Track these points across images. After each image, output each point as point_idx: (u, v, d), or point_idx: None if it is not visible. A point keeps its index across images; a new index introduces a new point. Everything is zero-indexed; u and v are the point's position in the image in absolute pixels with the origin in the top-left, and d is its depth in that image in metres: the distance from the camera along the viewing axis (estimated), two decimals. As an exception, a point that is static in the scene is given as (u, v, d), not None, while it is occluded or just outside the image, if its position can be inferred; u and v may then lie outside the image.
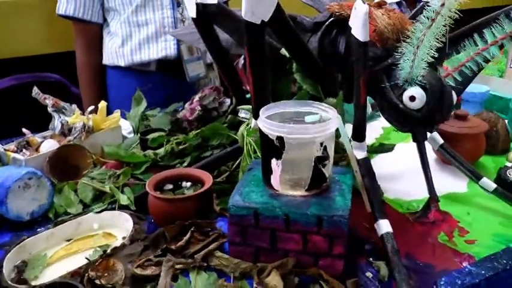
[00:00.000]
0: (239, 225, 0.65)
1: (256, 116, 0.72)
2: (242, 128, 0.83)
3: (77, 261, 0.68)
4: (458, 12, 0.61)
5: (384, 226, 0.68)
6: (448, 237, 0.73)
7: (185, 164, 0.90)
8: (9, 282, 0.64)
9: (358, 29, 0.65)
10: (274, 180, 0.65)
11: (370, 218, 0.71)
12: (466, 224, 0.77)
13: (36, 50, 1.58)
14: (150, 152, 0.90)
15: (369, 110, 0.89)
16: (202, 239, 0.70)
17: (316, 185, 0.65)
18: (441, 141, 0.84)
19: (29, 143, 0.92)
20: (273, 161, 0.64)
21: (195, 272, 0.65)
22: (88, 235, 0.75)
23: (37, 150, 0.91)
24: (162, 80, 1.36)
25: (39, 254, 0.71)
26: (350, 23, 0.68)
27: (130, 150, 0.97)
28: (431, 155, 0.95)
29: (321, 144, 0.63)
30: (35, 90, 0.96)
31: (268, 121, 0.63)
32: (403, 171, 0.93)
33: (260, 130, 0.65)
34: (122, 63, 1.34)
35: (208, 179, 0.77)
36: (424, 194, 0.80)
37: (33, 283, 0.65)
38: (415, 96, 0.70)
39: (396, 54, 0.70)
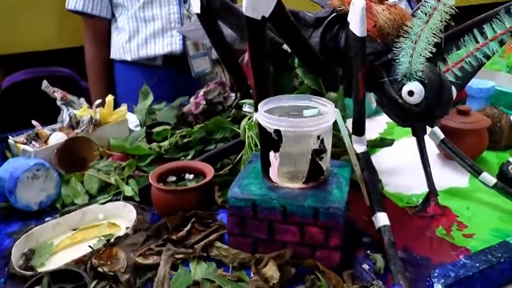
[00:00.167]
0: (238, 217, 0.67)
1: (257, 110, 0.73)
2: (244, 121, 0.85)
3: (82, 250, 0.70)
4: (454, 8, 0.62)
5: (382, 219, 0.69)
6: (446, 231, 0.74)
7: (189, 156, 0.92)
8: (17, 268, 0.67)
9: (356, 24, 0.66)
10: (273, 172, 0.67)
11: (369, 211, 0.72)
12: (465, 218, 0.77)
13: (48, 45, 1.61)
14: (154, 145, 0.92)
15: (374, 105, 0.90)
16: (202, 229, 0.72)
17: (313, 178, 0.66)
18: (442, 136, 0.85)
19: (38, 135, 0.94)
20: (271, 154, 0.65)
21: (195, 262, 0.67)
22: (93, 225, 0.77)
23: (46, 142, 0.94)
24: (169, 74, 1.38)
25: (46, 242, 0.73)
26: (348, 19, 0.69)
27: (137, 143, 0.99)
28: (434, 150, 0.96)
29: (318, 137, 0.64)
30: (45, 83, 0.98)
31: (266, 115, 0.65)
32: (405, 165, 0.94)
33: (259, 123, 0.67)
34: (129, 58, 1.37)
35: (209, 171, 0.78)
36: (425, 189, 0.81)
37: (40, 270, 0.68)
38: (413, 91, 0.71)
39: (395, 49, 0.70)
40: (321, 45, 0.86)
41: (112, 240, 0.71)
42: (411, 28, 0.67)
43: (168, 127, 0.98)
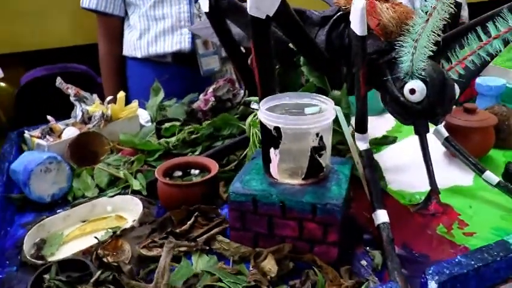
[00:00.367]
0: (239, 211, 0.68)
1: (262, 107, 0.75)
2: (249, 118, 0.86)
3: (90, 241, 0.73)
4: (453, 7, 0.62)
5: (381, 216, 0.70)
6: (446, 229, 0.74)
7: (197, 152, 0.94)
8: (29, 257, 0.70)
9: (356, 23, 0.67)
10: (273, 168, 0.68)
11: (370, 208, 0.73)
12: (467, 217, 0.77)
13: (65, 42, 1.66)
14: (162, 141, 0.94)
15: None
16: (205, 223, 0.74)
17: (313, 174, 0.68)
18: (446, 134, 0.85)
19: (52, 129, 0.98)
20: (272, 151, 0.67)
21: (197, 255, 0.69)
22: (101, 217, 0.80)
23: (59, 136, 0.97)
24: (179, 71, 1.41)
25: (56, 233, 0.77)
26: (350, 18, 0.70)
27: (147, 138, 1.01)
28: (440, 148, 0.96)
29: (317, 134, 0.65)
30: (58, 80, 1.02)
31: (267, 112, 0.66)
32: (410, 163, 0.94)
33: (260, 121, 0.68)
34: (139, 55, 1.40)
35: (214, 166, 0.80)
36: (428, 187, 0.81)
37: (50, 259, 0.71)
38: (415, 89, 0.71)
39: (397, 48, 0.71)
40: (326, 43, 0.87)
41: (118, 232, 0.73)
42: (412, 27, 0.67)
43: (177, 123, 1.00)
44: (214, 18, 0.92)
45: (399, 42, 0.71)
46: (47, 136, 0.97)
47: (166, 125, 0.98)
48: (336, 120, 0.71)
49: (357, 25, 0.67)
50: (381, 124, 1.11)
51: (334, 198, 0.65)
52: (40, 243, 0.74)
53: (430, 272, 0.59)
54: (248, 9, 0.73)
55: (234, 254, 0.69)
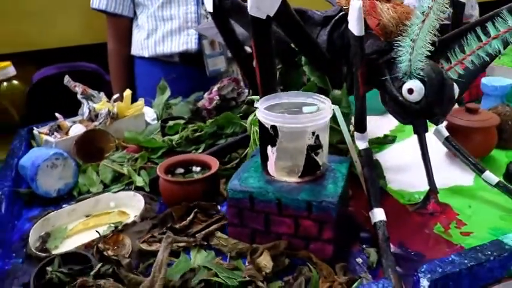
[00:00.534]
0: (236, 208, 0.70)
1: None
2: (250, 117, 0.88)
3: (93, 235, 0.74)
4: (448, 7, 0.62)
5: (378, 214, 0.70)
6: (444, 229, 0.75)
7: (200, 150, 0.96)
8: (34, 250, 0.72)
9: (353, 23, 0.68)
10: (270, 166, 0.69)
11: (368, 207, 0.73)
12: (465, 216, 0.78)
13: (76, 41, 1.69)
14: (166, 138, 0.96)
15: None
16: (205, 220, 0.76)
17: (309, 172, 0.69)
18: (446, 134, 0.85)
19: (60, 126, 1.00)
20: (269, 148, 0.68)
21: (195, 250, 0.71)
22: (105, 212, 0.82)
23: (67, 133, 1.00)
24: (186, 71, 1.43)
25: (61, 226, 0.79)
26: (348, 18, 0.70)
27: (152, 136, 1.03)
28: (441, 148, 0.96)
29: (313, 133, 0.66)
30: (66, 78, 1.04)
31: (264, 111, 0.67)
32: (411, 163, 0.94)
33: (259, 119, 0.69)
34: (146, 54, 1.42)
35: (215, 164, 0.82)
36: (427, 186, 0.81)
37: (53, 252, 0.73)
38: (413, 88, 0.71)
39: (395, 48, 0.71)
40: (328, 43, 0.88)
41: (120, 227, 0.75)
42: (410, 27, 0.68)
43: (182, 121, 1.02)
44: (218, 18, 0.94)
45: (397, 42, 0.71)
46: (55, 133, 0.99)
47: (170, 123, 1.00)
48: (336, 119, 0.72)
49: (354, 25, 0.68)
50: (384, 124, 1.11)
51: (329, 196, 0.66)
52: (45, 236, 0.77)
53: (423, 270, 0.60)
54: (248, 9, 0.74)
55: (231, 250, 0.70)
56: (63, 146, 0.95)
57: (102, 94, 1.07)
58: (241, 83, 1.13)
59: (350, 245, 0.72)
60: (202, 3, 1.39)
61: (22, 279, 0.68)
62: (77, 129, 0.99)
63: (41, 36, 1.64)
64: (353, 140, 0.77)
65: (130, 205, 0.83)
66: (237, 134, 0.97)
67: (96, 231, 0.73)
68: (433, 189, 0.79)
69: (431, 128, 0.85)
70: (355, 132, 0.78)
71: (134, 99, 1.13)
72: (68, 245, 0.75)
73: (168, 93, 1.17)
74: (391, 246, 0.71)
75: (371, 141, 0.98)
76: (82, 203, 0.83)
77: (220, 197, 0.84)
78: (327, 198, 0.65)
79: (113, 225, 0.76)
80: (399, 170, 0.93)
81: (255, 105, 1.04)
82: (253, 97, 0.94)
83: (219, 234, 0.73)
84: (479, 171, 0.81)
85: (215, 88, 1.09)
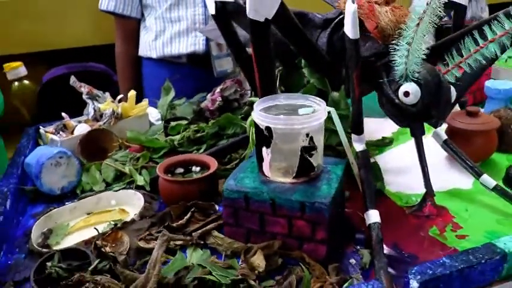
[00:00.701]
0: (232, 208, 0.71)
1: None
2: (250, 118, 0.89)
3: (94, 232, 0.76)
4: (442, 11, 0.63)
5: (373, 216, 0.71)
6: (439, 231, 0.75)
7: (201, 150, 0.97)
8: (35, 246, 0.74)
9: (348, 26, 0.68)
10: (265, 167, 0.70)
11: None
12: (462, 219, 0.78)
13: (86, 42, 1.72)
14: (168, 139, 0.97)
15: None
16: (202, 219, 0.77)
17: (304, 173, 0.69)
18: (445, 136, 0.85)
19: (65, 126, 1.03)
20: (264, 149, 0.69)
21: (191, 249, 0.72)
22: (106, 210, 0.84)
23: (72, 132, 1.02)
24: (193, 72, 1.44)
25: (62, 223, 0.81)
26: (344, 21, 0.71)
27: (155, 136, 1.05)
28: (442, 151, 0.96)
29: (307, 135, 0.67)
30: (72, 79, 1.06)
31: (259, 112, 0.68)
32: (410, 165, 0.94)
33: (254, 121, 0.70)
34: (154, 55, 1.44)
35: (213, 164, 0.83)
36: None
37: (54, 248, 0.75)
38: (409, 91, 0.72)
39: (391, 51, 0.72)
40: (328, 46, 0.88)
41: (119, 225, 0.77)
42: (405, 30, 0.68)
43: (185, 122, 1.04)
44: (220, 20, 0.95)
45: (393, 45, 0.72)
46: (61, 132, 1.02)
47: (172, 123, 1.01)
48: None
49: (349, 29, 0.68)
50: (385, 126, 1.11)
51: (322, 197, 0.66)
52: (47, 232, 0.79)
53: (413, 271, 0.60)
54: (247, 12, 0.75)
55: (227, 249, 0.71)
56: (68, 144, 0.97)
57: (107, 94, 1.09)
58: (244, 85, 1.14)
59: (344, 246, 0.73)
60: None
61: (23, 273, 0.70)
62: (81, 129, 1.01)
63: (52, 37, 1.67)
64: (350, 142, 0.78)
65: (131, 203, 0.85)
66: (238, 134, 0.99)
67: (95, 228, 0.74)
68: (429, 192, 0.80)
69: (432, 130, 0.86)
70: (352, 135, 0.78)
71: (141, 100, 1.15)
72: (69, 241, 0.77)
73: (172, 94, 1.18)
74: (386, 247, 0.72)
75: (369, 143, 0.99)
76: (84, 201, 0.85)
77: (219, 197, 0.85)
78: (319, 199, 0.66)
79: (112, 222, 0.78)
80: (398, 172, 0.93)
81: (255, 107, 1.07)
82: (254, 99, 0.96)
83: (215, 233, 0.74)
84: (477, 175, 0.80)
85: (218, 89, 1.11)
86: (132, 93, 1.08)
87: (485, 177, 0.80)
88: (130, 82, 1.48)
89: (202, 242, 0.73)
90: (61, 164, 0.90)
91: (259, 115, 0.68)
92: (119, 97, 1.08)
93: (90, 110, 1.06)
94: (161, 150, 0.97)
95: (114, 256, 0.67)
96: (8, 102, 1.24)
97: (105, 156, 0.97)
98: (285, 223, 0.68)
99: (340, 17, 0.87)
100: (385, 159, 0.99)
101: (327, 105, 0.84)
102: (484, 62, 0.72)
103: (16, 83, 1.25)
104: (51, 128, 1.03)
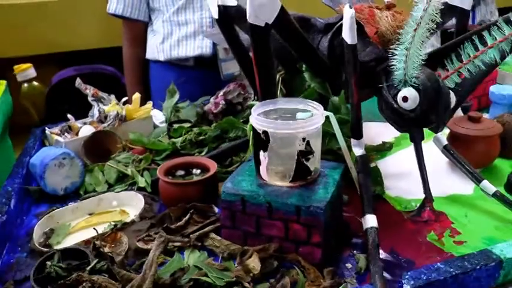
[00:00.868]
0: (229, 210, 0.72)
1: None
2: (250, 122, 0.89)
3: (94, 232, 0.77)
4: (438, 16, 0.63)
5: (370, 221, 0.71)
6: (437, 237, 0.75)
7: (203, 153, 0.98)
8: (37, 245, 0.76)
9: (346, 32, 0.69)
10: (263, 170, 0.71)
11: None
12: (460, 225, 0.77)
13: (94, 44, 1.74)
14: (170, 141, 0.99)
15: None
16: (200, 221, 0.78)
17: (300, 177, 0.70)
18: (445, 142, 0.85)
19: (70, 127, 1.04)
20: (261, 153, 0.70)
21: (189, 250, 0.73)
22: (107, 211, 0.85)
23: (77, 134, 1.04)
24: (200, 74, 1.46)
25: (64, 223, 0.82)
26: (342, 27, 0.71)
27: (159, 138, 1.06)
28: (443, 156, 0.96)
29: (303, 139, 0.67)
30: (78, 81, 1.08)
31: (256, 116, 0.69)
32: (411, 170, 0.93)
33: (252, 124, 0.71)
34: (162, 58, 1.46)
35: (213, 166, 0.84)
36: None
37: (55, 247, 0.76)
38: (407, 96, 0.72)
39: (390, 56, 0.72)
40: (329, 50, 0.88)
41: (119, 225, 0.78)
42: (403, 35, 0.68)
43: (187, 124, 1.05)
44: (223, 24, 0.96)
45: (392, 51, 0.72)
46: (66, 133, 1.03)
47: (175, 126, 1.02)
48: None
49: (347, 34, 0.69)
50: (388, 130, 1.10)
51: (318, 201, 0.67)
52: (49, 232, 0.80)
53: (407, 276, 0.60)
54: (248, 17, 0.76)
55: (224, 251, 0.72)
56: (72, 146, 0.98)
57: (112, 96, 1.11)
58: (248, 88, 1.15)
59: (341, 250, 0.73)
60: None
61: (24, 272, 0.71)
62: (86, 130, 1.02)
63: (62, 39, 1.70)
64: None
65: (132, 205, 0.86)
66: (240, 138, 0.99)
67: (94, 228, 0.75)
68: (428, 197, 0.79)
69: (433, 135, 0.86)
70: (351, 139, 0.79)
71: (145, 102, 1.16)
72: (70, 241, 0.78)
73: (177, 96, 1.19)
74: (383, 252, 0.72)
75: (370, 148, 0.99)
76: (86, 202, 0.86)
77: (219, 199, 0.85)
78: (315, 203, 0.66)
79: (113, 223, 0.79)
80: (399, 177, 0.93)
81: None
82: (255, 102, 0.96)
83: (212, 235, 0.75)
84: (477, 180, 0.80)
85: (221, 93, 1.12)
86: (136, 96, 1.10)
87: (485, 183, 0.79)
88: (137, 84, 1.50)
89: (200, 244, 0.74)
90: (64, 165, 0.91)
91: (257, 119, 0.69)
92: (123, 99, 1.09)
93: (95, 112, 1.07)
94: (163, 152, 0.98)
95: (111, 256, 0.68)
96: (17, 103, 1.27)
97: (109, 158, 0.98)
98: (281, 226, 0.69)
99: (341, 21, 0.88)
100: (387, 164, 0.99)
101: (327, 109, 0.85)
102: (483, 67, 0.72)
103: (26, 85, 1.27)
104: (56, 129, 1.05)
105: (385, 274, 0.67)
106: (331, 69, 0.86)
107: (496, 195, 0.78)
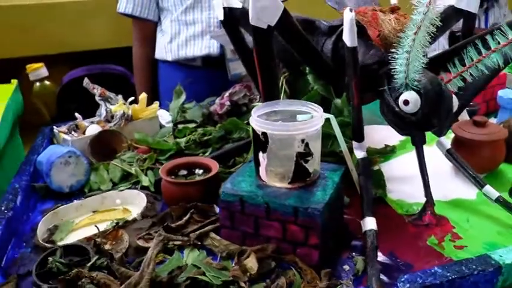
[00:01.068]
0: (228, 210, 0.72)
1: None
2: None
3: (97, 230, 0.79)
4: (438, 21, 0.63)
5: (369, 223, 0.71)
6: (437, 241, 0.74)
7: (207, 153, 0.99)
8: (40, 241, 0.77)
9: (346, 35, 0.69)
10: (262, 171, 0.71)
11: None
12: (462, 230, 0.77)
13: (105, 44, 1.77)
14: (174, 141, 0.99)
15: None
16: (200, 220, 0.78)
17: (299, 179, 0.70)
18: (448, 145, 0.84)
19: (78, 126, 1.06)
20: (260, 154, 0.70)
21: (189, 249, 0.74)
22: (110, 209, 0.86)
23: (84, 133, 1.05)
24: (208, 74, 1.47)
25: (68, 220, 0.84)
26: (343, 29, 0.71)
27: (164, 138, 1.07)
28: (448, 160, 0.95)
29: (302, 141, 0.68)
30: (85, 81, 1.09)
31: (256, 118, 0.70)
32: (414, 174, 0.93)
33: (251, 126, 0.72)
34: (170, 58, 1.47)
35: (215, 167, 0.85)
36: (427, 198, 0.81)
37: (58, 244, 0.77)
38: (408, 100, 0.72)
39: (391, 59, 0.72)
40: (333, 52, 0.89)
41: (121, 223, 0.79)
42: (404, 39, 0.68)
43: (192, 125, 1.06)
44: (228, 26, 0.97)
45: (393, 54, 0.72)
46: (73, 132, 1.05)
47: (180, 126, 1.03)
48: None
49: (347, 36, 0.69)
50: (394, 134, 1.10)
51: (316, 202, 0.67)
52: (53, 229, 0.82)
53: (402, 280, 0.60)
54: (250, 19, 0.76)
55: (222, 250, 0.72)
56: (79, 144, 1.00)
57: (119, 96, 1.12)
58: (253, 89, 1.16)
59: (340, 252, 0.73)
60: None
61: (27, 267, 0.72)
62: (93, 129, 1.04)
63: (73, 39, 1.73)
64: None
65: (135, 203, 0.87)
66: (244, 138, 1.00)
67: (95, 226, 0.77)
68: (429, 201, 0.79)
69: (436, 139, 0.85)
70: (353, 142, 0.79)
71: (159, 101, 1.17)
72: (73, 238, 0.79)
73: (183, 97, 1.21)
74: (382, 255, 0.72)
75: (373, 151, 0.99)
76: (90, 199, 0.87)
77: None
78: (312, 205, 0.66)
79: (115, 221, 0.80)
80: (401, 180, 0.93)
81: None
82: (257, 104, 0.97)
83: (212, 235, 0.75)
84: (480, 185, 0.79)
85: (227, 94, 1.12)
86: (143, 96, 1.11)
87: (488, 188, 0.78)
88: (146, 84, 1.52)
89: (199, 243, 0.75)
90: (70, 163, 0.93)
91: (256, 121, 0.69)
92: (130, 99, 1.10)
93: (102, 111, 1.09)
94: (168, 152, 0.99)
95: (111, 253, 0.69)
96: (29, 102, 1.29)
97: (114, 157, 0.99)
98: (279, 227, 0.69)
99: (346, 24, 0.88)
100: (390, 167, 0.98)
101: (330, 112, 0.85)
102: (486, 72, 0.72)
103: (37, 84, 1.29)
104: (64, 128, 1.07)
105: (383, 277, 0.67)
106: (334, 71, 0.86)
107: (498, 201, 0.77)
